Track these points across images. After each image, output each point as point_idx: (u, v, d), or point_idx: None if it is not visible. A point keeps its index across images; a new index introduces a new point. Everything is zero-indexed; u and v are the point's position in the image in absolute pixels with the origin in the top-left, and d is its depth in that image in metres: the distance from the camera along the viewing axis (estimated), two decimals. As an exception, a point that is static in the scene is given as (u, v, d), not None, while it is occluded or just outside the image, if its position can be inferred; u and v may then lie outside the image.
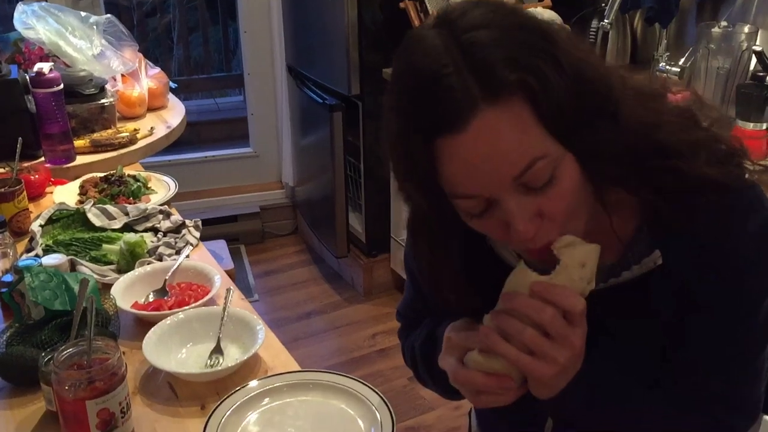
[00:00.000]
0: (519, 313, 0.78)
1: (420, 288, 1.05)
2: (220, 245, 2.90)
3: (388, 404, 1.08)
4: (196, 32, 4.55)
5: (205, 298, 1.33)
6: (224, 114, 4.55)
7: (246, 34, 3.35)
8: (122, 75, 2.19)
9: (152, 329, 1.22)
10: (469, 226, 0.82)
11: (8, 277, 1.31)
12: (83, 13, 2.12)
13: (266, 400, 1.11)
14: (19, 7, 2.08)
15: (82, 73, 2.00)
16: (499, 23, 0.73)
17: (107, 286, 1.38)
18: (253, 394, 1.11)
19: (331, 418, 1.09)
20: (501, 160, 0.72)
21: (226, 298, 1.31)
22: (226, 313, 1.27)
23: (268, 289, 3.25)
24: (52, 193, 1.78)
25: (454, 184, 0.76)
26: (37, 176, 1.78)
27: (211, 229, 3.39)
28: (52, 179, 1.82)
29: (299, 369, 1.21)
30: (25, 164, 1.81)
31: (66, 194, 1.75)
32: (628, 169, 0.80)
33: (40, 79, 1.79)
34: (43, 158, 1.90)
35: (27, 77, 1.85)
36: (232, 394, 1.10)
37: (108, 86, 2.11)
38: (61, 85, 1.83)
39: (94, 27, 2.09)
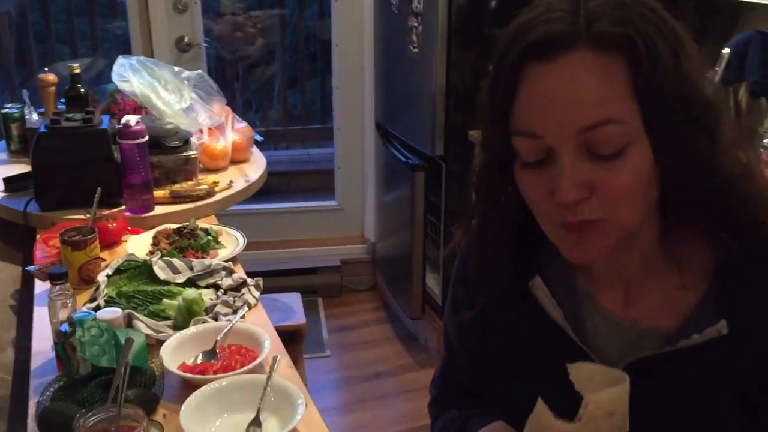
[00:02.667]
0: None
1: (455, 353, 1.02)
2: (295, 298, 2.88)
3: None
4: (296, 84, 4.68)
5: (252, 365, 1.31)
6: (316, 165, 4.64)
7: (338, 89, 3.40)
8: (209, 128, 2.25)
9: (192, 395, 1.20)
10: (518, 185, 0.80)
11: (65, 327, 1.33)
12: (176, 68, 2.21)
13: (295, 484, 1.06)
14: (119, 60, 2.18)
15: (169, 126, 2.07)
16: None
17: (162, 342, 1.38)
18: (281, 476, 1.06)
19: None
20: (576, 105, 0.72)
21: (271, 366, 1.28)
22: (269, 383, 1.24)
23: (341, 345, 3.22)
24: (127, 241, 1.82)
25: (524, 116, 0.75)
26: (114, 224, 1.83)
27: (289, 280, 3.41)
28: (129, 228, 1.87)
29: (335, 452, 1.15)
30: (105, 212, 1.87)
31: (139, 244, 1.79)
32: (706, 200, 0.76)
33: (126, 130, 1.86)
34: (123, 206, 1.95)
35: (116, 128, 1.92)
36: (260, 473, 1.06)
37: (194, 138, 2.17)
38: (146, 138, 1.89)
39: (185, 81, 2.16)
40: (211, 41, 4.08)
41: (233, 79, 4.43)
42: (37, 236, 1.80)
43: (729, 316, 0.78)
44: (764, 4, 1.82)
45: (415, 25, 2.69)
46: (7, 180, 2.03)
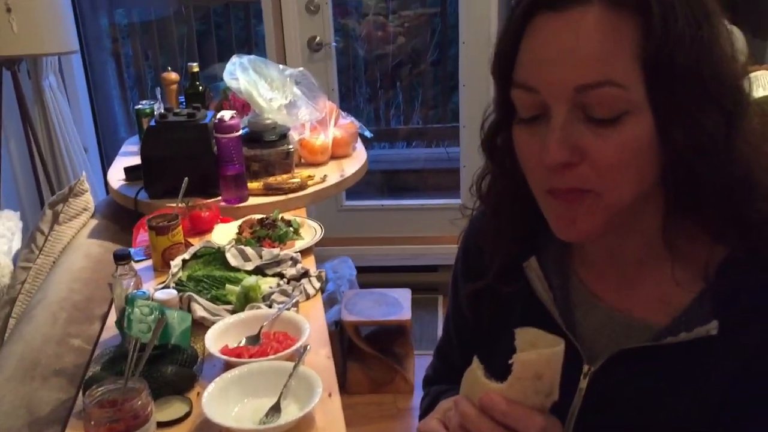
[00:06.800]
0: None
1: (450, 330, 1.04)
2: (405, 294, 2.90)
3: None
4: (439, 84, 4.69)
5: (285, 352, 1.33)
6: (453, 163, 4.63)
7: (464, 87, 3.37)
8: (312, 123, 2.32)
9: (218, 377, 1.25)
10: (516, 137, 0.77)
11: (127, 305, 1.44)
12: (281, 66, 2.30)
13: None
14: (233, 59, 2.31)
15: (267, 121, 2.16)
16: None
17: (217, 325, 1.45)
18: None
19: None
20: (576, 61, 0.68)
21: (300, 355, 1.30)
22: (295, 370, 1.26)
23: (456, 345, 3.18)
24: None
25: (524, 68, 0.73)
26: (207, 213, 1.95)
27: (410, 276, 3.44)
28: (221, 217, 1.98)
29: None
30: (202, 201, 2.00)
31: (225, 232, 1.89)
32: (716, 190, 0.71)
33: (221, 125, 1.97)
34: (220, 197, 2.07)
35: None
36: (257, 457, 1.08)
37: (294, 133, 2.25)
38: (240, 132, 1.99)
39: (288, 79, 2.24)
40: (355, 41, 4.20)
41: (374, 77, 4.52)
42: (139, 222, 1.96)
43: (722, 318, 0.73)
44: None
45: (531, 18, 2.59)
46: (127, 169, 2.22)
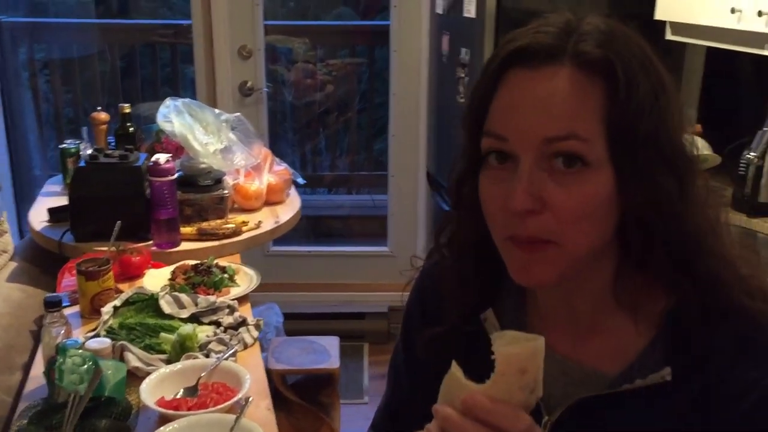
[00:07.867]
0: None
1: (400, 384, 1.02)
2: (333, 342, 2.87)
3: None
4: (365, 131, 4.76)
5: (225, 404, 1.30)
6: (379, 210, 4.67)
7: (394, 137, 3.43)
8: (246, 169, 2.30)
9: (156, 431, 1.21)
10: (481, 184, 0.80)
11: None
12: (217, 111, 2.28)
13: None
14: (166, 102, 2.28)
15: (202, 166, 2.13)
16: (618, 32, 0.77)
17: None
18: None
19: None
20: (544, 115, 0.73)
21: (242, 407, 1.27)
22: (237, 423, 1.23)
23: (382, 393, 3.17)
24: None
25: (495, 118, 0.76)
26: (138, 258, 1.89)
27: (337, 323, 3.42)
28: (152, 262, 1.92)
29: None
30: (132, 245, 1.94)
31: (157, 278, 1.84)
32: (669, 245, 0.76)
33: (156, 168, 1.93)
34: (152, 241, 2.01)
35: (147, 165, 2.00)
36: None
37: (228, 178, 2.23)
38: (174, 176, 1.96)
39: (224, 124, 2.23)
40: (284, 87, 4.22)
41: (307, 123, 4.54)
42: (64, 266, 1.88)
43: (675, 364, 0.77)
44: None
45: (462, 75, 2.69)
46: (51, 211, 2.14)
